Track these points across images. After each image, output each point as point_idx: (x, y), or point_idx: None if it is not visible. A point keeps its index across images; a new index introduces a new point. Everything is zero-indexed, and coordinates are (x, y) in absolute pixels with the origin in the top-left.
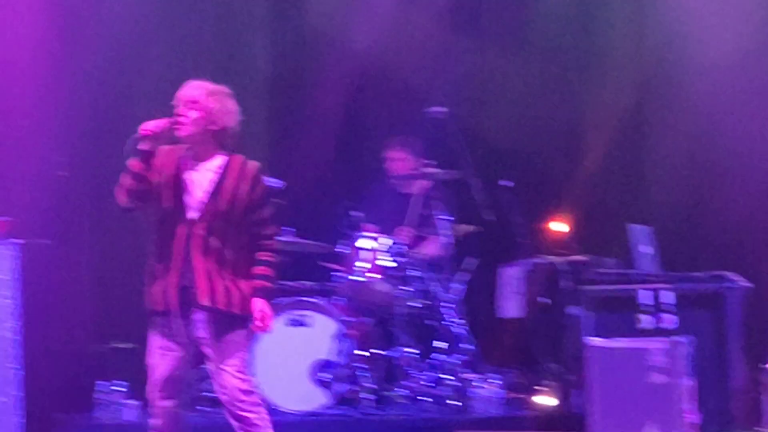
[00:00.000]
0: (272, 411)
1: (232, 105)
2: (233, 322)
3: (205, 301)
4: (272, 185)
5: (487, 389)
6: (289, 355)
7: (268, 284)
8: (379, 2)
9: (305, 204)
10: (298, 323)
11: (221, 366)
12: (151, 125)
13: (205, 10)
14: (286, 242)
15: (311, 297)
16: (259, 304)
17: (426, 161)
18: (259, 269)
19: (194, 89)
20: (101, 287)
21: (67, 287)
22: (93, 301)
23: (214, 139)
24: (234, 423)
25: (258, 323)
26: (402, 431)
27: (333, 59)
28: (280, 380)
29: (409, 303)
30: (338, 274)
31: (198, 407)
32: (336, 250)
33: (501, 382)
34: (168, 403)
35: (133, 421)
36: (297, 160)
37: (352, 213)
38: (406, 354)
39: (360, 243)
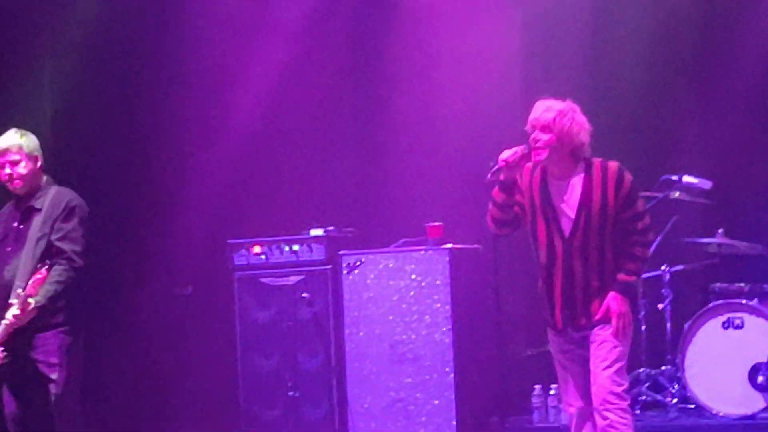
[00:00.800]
0: (708, 415)
1: (583, 120)
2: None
3: (583, 322)
4: (700, 186)
5: None
6: (724, 358)
7: (632, 278)
8: None
9: (736, 203)
10: (732, 326)
11: (597, 366)
12: (507, 156)
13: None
14: (716, 243)
15: (745, 299)
16: (615, 305)
17: None
18: (626, 264)
19: (545, 113)
20: (535, 291)
21: (498, 292)
22: (525, 306)
23: (572, 155)
24: (599, 422)
25: (613, 333)
26: None
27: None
28: (715, 383)
29: None
30: None
31: None
32: None
33: None
34: (581, 405)
35: (568, 424)
36: (728, 159)
37: None
38: None
39: None
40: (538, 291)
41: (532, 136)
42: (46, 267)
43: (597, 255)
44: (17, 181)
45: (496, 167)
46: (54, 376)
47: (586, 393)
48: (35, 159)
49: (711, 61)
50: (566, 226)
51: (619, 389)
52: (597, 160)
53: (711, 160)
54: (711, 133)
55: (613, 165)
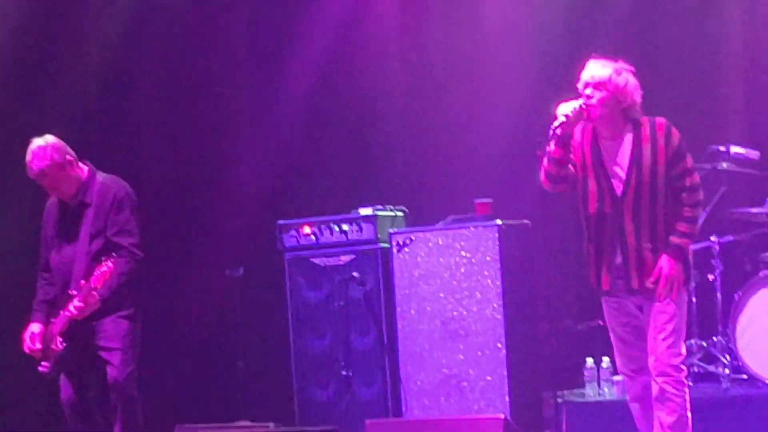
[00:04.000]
0: (761, 385)
1: (635, 80)
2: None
3: (635, 285)
4: (748, 156)
5: None
6: None
7: (684, 241)
8: None
9: None
10: None
11: (654, 338)
12: (567, 110)
13: None
14: (765, 213)
15: None
16: (666, 267)
17: None
18: (677, 225)
19: (601, 70)
20: (582, 265)
21: (548, 267)
22: (575, 280)
23: (623, 114)
24: (656, 392)
25: (659, 290)
26: None
27: None
28: (767, 353)
29: None
30: None
31: None
32: None
33: None
34: (637, 376)
35: (620, 397)
36: None
37: None
38: None
39: None
40: (585, 253)
41: (586, 93)
42: (112, 260)
43: (648, 215)
44: (64, 195)
45: (557, 121)
46: (113, 360)
47: (643, 364)
48: (69, 163)
49: (758, 28)
50: (617, 185)
51: (676, 360)
52: (645, 118)
53: (758, 130)
54: (758, 102)
55: (661, 120)
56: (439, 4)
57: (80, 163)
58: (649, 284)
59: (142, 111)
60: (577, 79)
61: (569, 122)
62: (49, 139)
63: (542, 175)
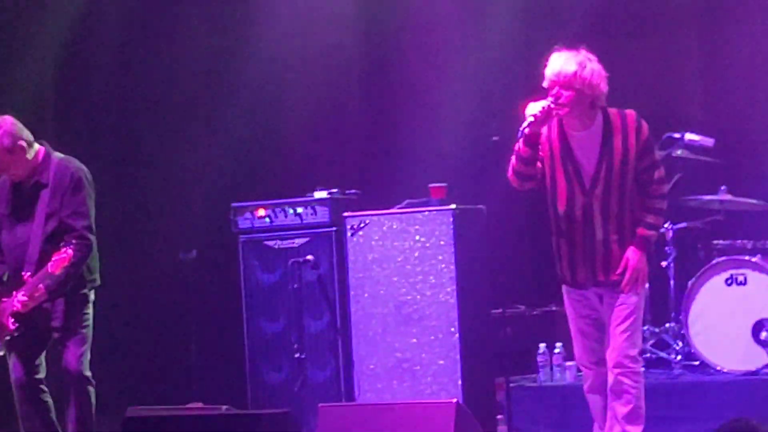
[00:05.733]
0: (712, 371)
1: (601, 69)
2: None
3: (601, 277)
4: (702, 143)
5: None
6: (727, 315)
7: (651, 233)
8: None
9: (739, 160)
10: (735, 282)
11: (613, 329)
12: (535, 110)
13: None
14: (719, 201)
15: (748, 255)
16: (633, 259)
17: None
18: (644, 217)
19: (565, 68)
20: (539, 251)
21: (502, 252)
22: (530, 265)
23: (591, 105)
24: (611, 383)
25: (624, 283)
26: None
27: None
28: (719, 340)
29: None
30: None
31: None
32: None
33: None
34: (596, 367)
35: (573, 383)
36: (730, 116)
37: None
38: None
39: None
40: (554, 247)
41: (553, 92)
42: (71, 247)
43: (617, 207)
44: (12, 177)
45: (526, 122)
46: (67, 341)
47: (602, 355)
48: (20, 148)
49: (715, 17)
50: (587, 178)
51: (633, 352)
52: (613, 110)
53: (713, 117)
54: (713, 90)
55: (631, 113)
56: None
57: (36, 144)
58: (614, 276)
59: (96, 91)
60: (539, 70)
61: (537, 122)
62: (5, 121)
63: (510, 173)
